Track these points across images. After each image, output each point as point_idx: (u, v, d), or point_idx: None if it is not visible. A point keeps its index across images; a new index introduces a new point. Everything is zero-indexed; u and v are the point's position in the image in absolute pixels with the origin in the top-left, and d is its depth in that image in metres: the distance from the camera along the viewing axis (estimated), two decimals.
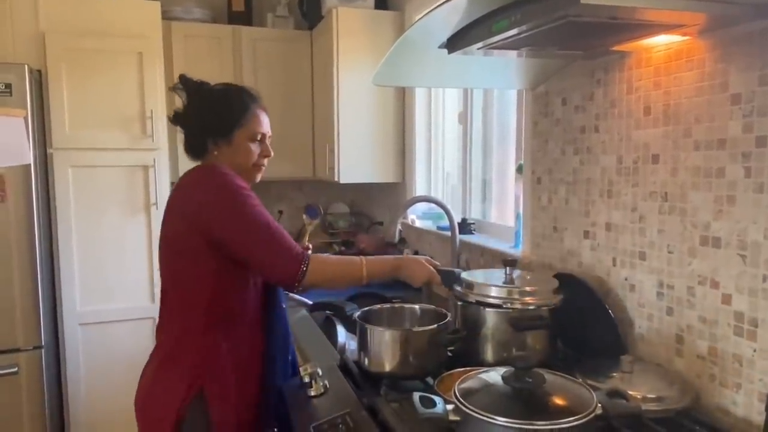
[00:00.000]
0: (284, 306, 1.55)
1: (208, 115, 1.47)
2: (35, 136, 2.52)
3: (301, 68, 3.25)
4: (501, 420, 0.82)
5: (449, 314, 1.45)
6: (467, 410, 0.85)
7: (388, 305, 1.55)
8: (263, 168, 1.55)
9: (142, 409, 1.45)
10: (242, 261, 1.38)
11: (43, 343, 2.54)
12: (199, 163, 1.50)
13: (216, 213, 1.35)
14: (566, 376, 0.97)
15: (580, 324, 1.48)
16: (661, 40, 1.27)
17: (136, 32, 2.73)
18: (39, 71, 2.60)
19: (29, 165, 2.45)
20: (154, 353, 1.48)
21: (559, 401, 0.87)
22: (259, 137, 1.50)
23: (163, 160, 2.82)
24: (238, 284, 1.44)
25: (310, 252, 1.42)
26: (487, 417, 0.83)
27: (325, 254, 1.49)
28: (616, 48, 1.37)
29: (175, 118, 1.51)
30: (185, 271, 1.40)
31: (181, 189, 1.43)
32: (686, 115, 1.26)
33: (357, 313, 1.45)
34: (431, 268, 1.51)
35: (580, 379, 1.21)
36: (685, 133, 1.27)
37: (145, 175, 2.79)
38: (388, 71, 1.56)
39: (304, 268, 1.37)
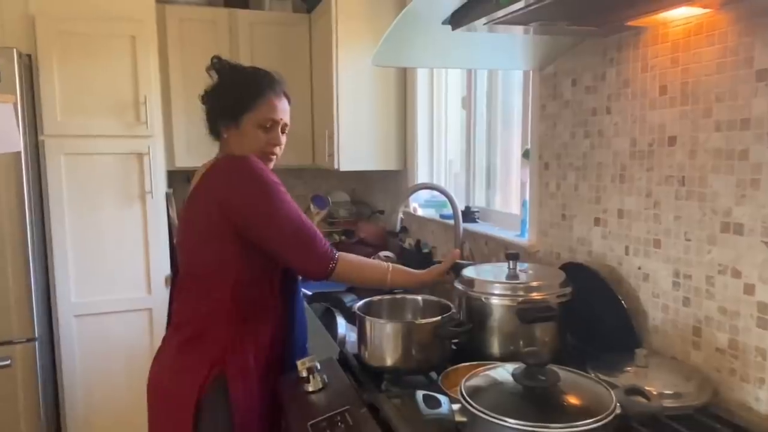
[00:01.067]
0: (301, 295, 1.55)
1: (222, 97, 1.46)
2: (25, 123, 2.45)
3: (300, 52, 3.17)
4: (512, 422, 0.76)
5: (453, 306, 1.38)
6: (475, 411, 0.78)
7: (389, 296, 1.49)
8: (274, 158, 1.50)
9: (161, 390, 1.44)
10: (271, 254, 1.40)
11: (36, 335, 2.49)
12: (217, 143, 1.52)
13: (250, 207, 1.35)
14: (581, 372, 0.91)
15: (591, 315, 1.41)
16: (679, 14, 1.19)
17: (129, 15, 2.64)
18: (29, 56, 2.53)
19: (20, 153, 2.38)
20: (172, 336, 1.47)
21: (574, 401, 0.80)
22: (268, 124, 1.45)
23: (158, 148, 2.75)
24: (262, 270, 1.44)
25: (336, 254, 1.43)
26: (497, 418, 0.76)
27: (354, 255, 1.48)
28: (631, 23, 1.29)
29: (202, 97, 1.51)
30: (213, 254, 1.40)
31: (213, 176, 1.40)
32: (706, 93, 1.18)
33: (357, 305, 1.38)
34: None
35: (593, 374, 1.15)
36: (704, 112, 1.19)
37: (140, 163, 2.71)
38: (388, 50, 1.48)
39: (332, 266, 1.40)
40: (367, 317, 1.31)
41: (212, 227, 1.37)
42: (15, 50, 2.35)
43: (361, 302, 1.41)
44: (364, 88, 2.78)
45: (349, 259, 1.44)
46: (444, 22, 1.32)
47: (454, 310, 1.35)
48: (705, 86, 1.19)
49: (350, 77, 2.74)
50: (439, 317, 1.29)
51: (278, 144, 1.49)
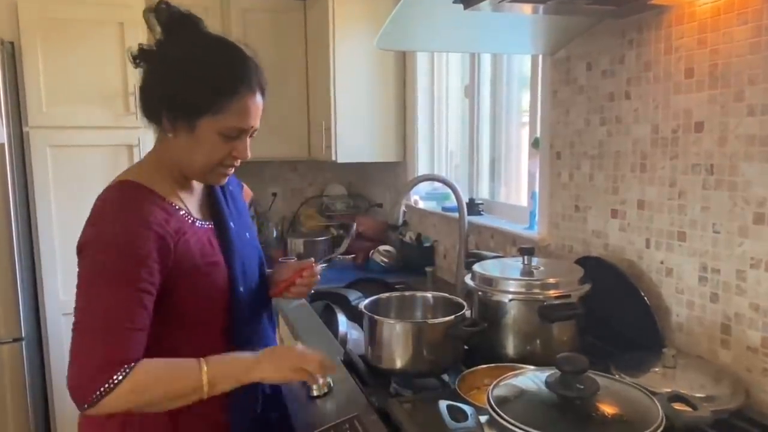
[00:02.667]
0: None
1: (175, 79, 1.02)
2: (9, 113, 2.34)
3: (295, 40, 3.06)
4: None
5: (465, 304, 1.30)
6: (507, 424, 0.70)
7: (397, 293, 1.40)
8: (232, 170, 1.11)
9: None
10: None
11: (23, 335, 2.40)
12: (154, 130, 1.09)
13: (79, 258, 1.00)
14: (620, 379, 0.83)
15: (610, 312, 1.34)
16: None
17: (116, 1, 2.53)
18: (11, 43, 2.41)
19: (3, 145, 2.28)
20: None
21: (616, 412, 0.72)
22: (235, 134, 1.04)
23: (148, 139, 2.63)
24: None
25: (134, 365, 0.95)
26: None
27: (154, 372, 0.98)
28: (653, 2, 1.21)
29: (138, 56, 1.05)
30: None
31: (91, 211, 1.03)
32: (738, 76, 1.11)
33: (364, 303, 1.30)
34: (310, 355, 1.07)
35: (617, 375, 1.08)
36: (736, 96, 1.11)
37: (130, 155, 2.61)
38: (394, 32, 1.39)
39: (103, 390, 0.92)
40: (376, 316, 1.23)
41: None
42: None
43: (367, 300, 1.32)
44: (361, 77, 2.68)
45: (142, 382, 0.95)
46: (455, 1, 1.23)
47: (466, 309, 1.27)
48: (736, 68, 1.11)
49: (347, 66, 2.64)
50: (452, 316, 1.21)
51: (243, 157, 1.08)
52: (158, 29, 1.05)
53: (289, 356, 1.07)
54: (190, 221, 1.08)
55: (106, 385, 0.92)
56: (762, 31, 1.06)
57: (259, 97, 1.06)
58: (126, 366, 0.93)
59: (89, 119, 2.53)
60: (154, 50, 1.05)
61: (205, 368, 0.98)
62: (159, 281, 0.99)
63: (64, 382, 0.95)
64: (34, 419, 2.46)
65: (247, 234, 1.21)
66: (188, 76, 1.01)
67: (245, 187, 1.35)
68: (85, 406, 0.93)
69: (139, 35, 2.55)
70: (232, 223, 1.16)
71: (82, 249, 0.99)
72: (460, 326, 1.20)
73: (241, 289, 1.12)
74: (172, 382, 0.98)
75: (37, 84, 2.43)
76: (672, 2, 1.21)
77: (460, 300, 1.31)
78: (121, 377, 0.92)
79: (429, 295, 1.39)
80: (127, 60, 1.06)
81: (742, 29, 1.09)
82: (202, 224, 1.11)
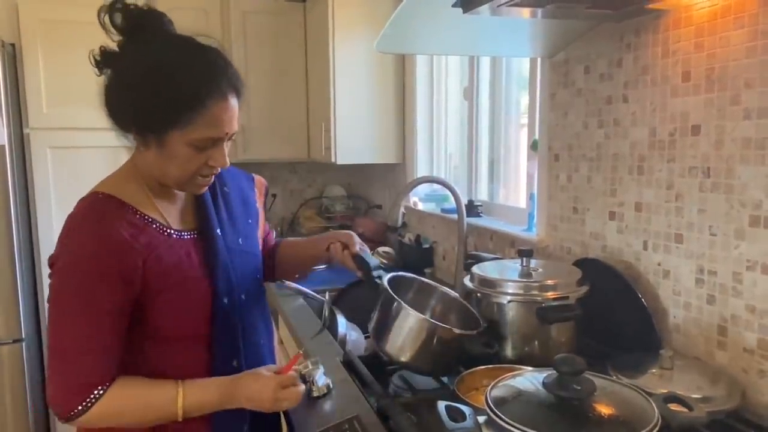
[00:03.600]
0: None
1: (137, 91, 0.95)
2: (9, 115, 2.35)
3: (294, 42, 3.07)
4: None
5: (481, 320, 1.26)
6: (505, 424, 0.71)
7: (422, 279, 1.36)
8: (211, 179, 1.06)
9: None
10: None
11: (23, 336, 2.41)
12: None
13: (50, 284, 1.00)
14: (617, 380, 0.84)
15: (608, 314, 1.35)
16: None
17: None
18: (12, 45, 2.42)
19: (4, 146, 2.29)
20: None
21: (613, 413, 0.73)
22: (209, 144, 0.99)
23: None
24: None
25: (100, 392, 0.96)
26: None
27: (127, 397, 0.99)
28: (651, 6, 1.22)
29: (102, 62, 0.99)
30: None
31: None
32: (734, 79, 1.12)
33: (386, 278, 1.21)
34: (290, 392, 1.05)
35: (614, 376, 1.09)
36: (732, 100, 1.12)
37: None
38: (393, 35, 1.40)
39: (77, 411, 0.95)
40: (404, 305, 1.16)
41: None
42: None
43: (390, 276, 1.23)
44: (361, 79, 2.69)
45: (121, 396, 0.98)
46: (454, 5, 1.24)
47: (484, 324, 1.24)
48: (733, 72, 1.12)
49: (347, 68, 2.65)
50: (474, 331, 1.19)
51: (221, 165, 1.02)
52: (114, 31, 0.98)
53: (267, 390, 1.02)
54: (165, 234, 1.03)
55: (79, 407, 0.95)
56: (758, 35, 1.07)
57: (232, 101, 0.99)
58: (100, 387, 0.96)
59: (89, 120, 2.52)
60: (117, 53, 0.99)
61: (181, 395, 0.99)
62: (130, 297, 0.98)
63: None
64: (34, 420, 2.47)
65: (240, 240, 1.15)
66: (151, 89, 0.94)
67: (257, 178, 1.29)
68: (63, 421, 0.97)
69: None
70: (219, 231, 1.11)
71: (52, 265, 1.00)
72: (477, 341, 1.18)
73: (226, 300, 1.07)
74: (145, 409, 1.00)
75: (37, 85, 2.45)
76: (669, 6, 1.22)
77: (473, 310, 1.29)
78: (94, 400, 0.95)
79: (452, 294, 1.36)
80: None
81: (739, 33, 1.10)
82: (180, 235, 1.06)
